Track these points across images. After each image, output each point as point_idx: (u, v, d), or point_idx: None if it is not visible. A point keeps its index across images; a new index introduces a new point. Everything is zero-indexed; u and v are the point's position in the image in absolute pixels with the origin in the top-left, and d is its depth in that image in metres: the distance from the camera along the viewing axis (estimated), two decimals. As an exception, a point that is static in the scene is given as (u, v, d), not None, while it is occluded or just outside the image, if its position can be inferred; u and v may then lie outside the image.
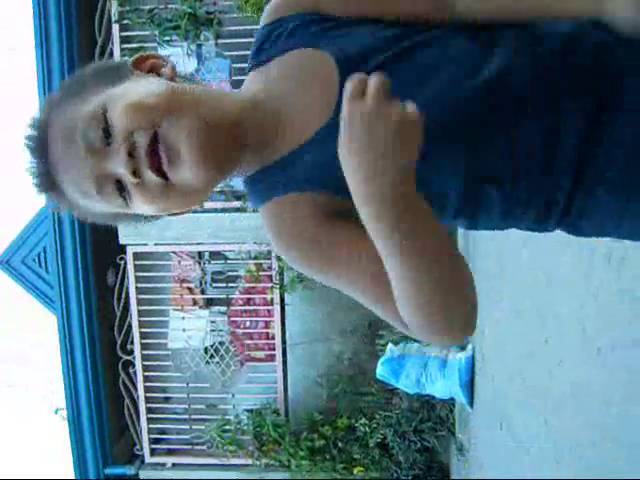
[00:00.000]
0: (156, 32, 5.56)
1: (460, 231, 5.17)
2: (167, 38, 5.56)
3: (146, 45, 5.71)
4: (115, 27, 5.74)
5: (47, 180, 0.89)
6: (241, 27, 5.52)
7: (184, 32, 5.41)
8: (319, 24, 0.88)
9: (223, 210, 5.84)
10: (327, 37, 0.86)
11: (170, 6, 5.56)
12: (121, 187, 0.85)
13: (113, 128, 0.82)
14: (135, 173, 0.82)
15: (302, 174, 0.85)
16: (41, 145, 0.87)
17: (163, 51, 5.67)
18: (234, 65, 5.71)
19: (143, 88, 0.84)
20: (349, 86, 0.71)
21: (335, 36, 0.86)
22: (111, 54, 5.76)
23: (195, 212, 5.89)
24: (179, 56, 5.63)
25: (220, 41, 5.63)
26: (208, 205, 5.89)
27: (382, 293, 0.82)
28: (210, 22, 5.44)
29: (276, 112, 0.87)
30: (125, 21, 5.70)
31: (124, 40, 5.77)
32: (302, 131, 0.85)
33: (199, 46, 5.64)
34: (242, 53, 5.63)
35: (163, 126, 0.81)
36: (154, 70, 0.91)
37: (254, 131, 0.88)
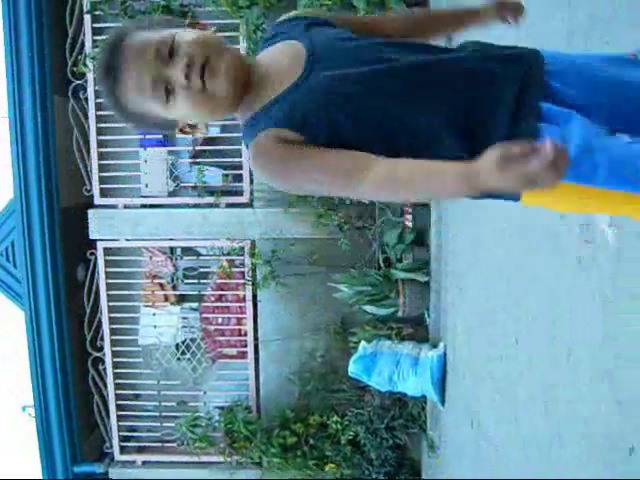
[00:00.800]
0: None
1: (434, 230, 5.19)
2: (140, 30, 5.47)
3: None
4: (87, 18, 5.64)
5: (114, 74, 1.25)
6: (216, 21, 5.46)
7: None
8: (302, 25, 1.37)
9: (195, 206, 5.79)
10: (304, 34, 1.34)
11: (143, -3, 5.49)
12: (168, 92, 1.24)
13: (179, 49, 1.22)
14: (187, 77, 1.22)
15: (278, 113, 1.26)
16: (117, 49, 1.24)
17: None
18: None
19: (196, 33, 1.27)
20: (547, 147, 0.98)
21: (309, 31, 1.35)
22: (82, 46, 5.67)
23: (167, 207, 5.84)
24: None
25: (194, 35, 5.56)
26: (180, 200, 5.84)
27: (350, 166, 1.22)
28: (184, 15, 5.37)
29: (266, 72, 1.31)
30: (97, 12, 5.60)
31: (96, 32, 5.67)
32: (279, 86, 1.28)
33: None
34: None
35: (212, 60, 1.23)
36: (197, 24, 1.35)
37: (255, 80, 1.31)
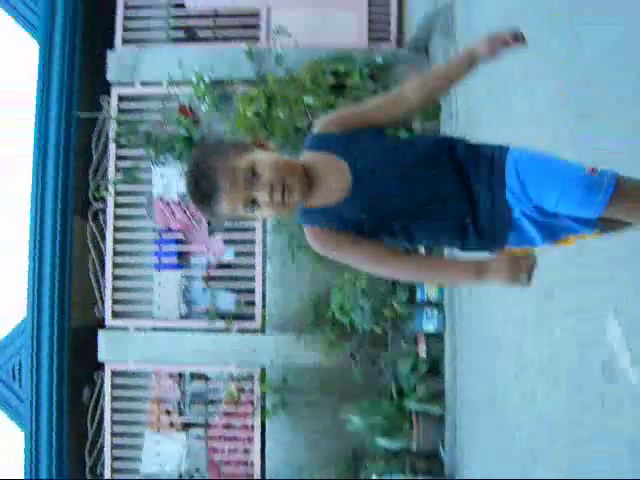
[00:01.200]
0: (151, 152, 5.69)
1: (448, 360, 5.09)
2: (162, 158, 5.68)
3: (141, 164, 5.82)
4: (112, 146, 5.87)
5: (207, 198, 1.57)
6: (235, 150, 5.66)
7: (179, 154, 5.54)
8: (338, 140, 1.64)
9: (207, 330, 5.74)
10: (343, 148, 1.63)
11: (167, 128, 5.72)
12: (254, 203, 1.58)
13: (261, 176, 1.56)
14: (272, 199, 1.56)
15: (328, 219, 1.63)
16: (209, 179, 1.55)
17: (157, 170, 5.79)
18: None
19: (269, 157, 1.60)
20: (529, 261, 1.54)
21: (347, 148, 1.63)
22: (105, 171, 5.86)
23: (178, 331, 5.79)
24: (172, 176, 5.73)
25: (214, 163, 5.74)
26: (192, 324, 5.80)
27: (379, 258, 1.64)
28: (205, 146, 5.57)
29: (320, 176, 1.62)
30: (122, 140, 5.83)
31: (119, 158, 5.88)
32: (332, 197, 1.61)
33: (193, 167, 5.75)
34: (234, 175, 5.73)
35: (286, 180, 1.57)
36: (261, 145, 1.64)
37: (312, 179, 1.62)
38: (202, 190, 1.56)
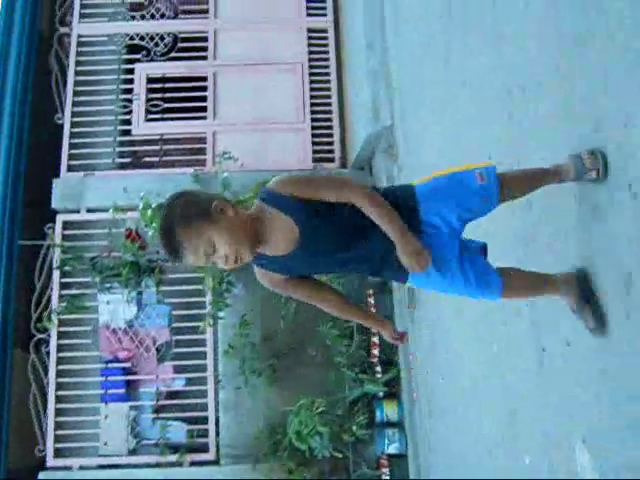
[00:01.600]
0: (97, 279, 5.54)
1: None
2: (108, 285, 5.53)
3: (86, 292, 5.65)
4: (55, 274, 5.69)
5: (175, 254, 1.87)
6: (183, 275, 5.57)
7: (125, 280, 5.41)
8: (294, 204, 1.88)
9: (157, 465, 5.40)
10: (294, 211, 1.88)
11: (113, 254, 5.61)
12: (214, 262, 1.92)
13: (219, 250, 1.87)
14: (226, 264, 1.90)
15: (275, 266, 2.00)
16: (177, 244, 1.85)
17: (103, 297, 5.62)
18: (174, 312, 5.64)
19: (225, 233, 1.86)
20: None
21: (299, 212, 1.88)
22: (48, 300, 5.65)
23: (126, 467, 5.44)
24: (119, 303, 5.56)
25: (162, 288, 5.62)
26: (141, 459, 5.45)
27: (316, 300, 2.14)
28: (152, 270, 5.47)
29: (269, 230, 1.91)
30: (66, 267, 5.68)
31: (63, 286, 5.70)
32: (280, 249, 1.93)
33: (139, 293, 5.62)
34: (183, 300, 5.60)
35: (239, 251, 1.88)
36: (222, 210, 1.88)
37: (260, 231, 1.92)
38: (171, 248, 1.87)
